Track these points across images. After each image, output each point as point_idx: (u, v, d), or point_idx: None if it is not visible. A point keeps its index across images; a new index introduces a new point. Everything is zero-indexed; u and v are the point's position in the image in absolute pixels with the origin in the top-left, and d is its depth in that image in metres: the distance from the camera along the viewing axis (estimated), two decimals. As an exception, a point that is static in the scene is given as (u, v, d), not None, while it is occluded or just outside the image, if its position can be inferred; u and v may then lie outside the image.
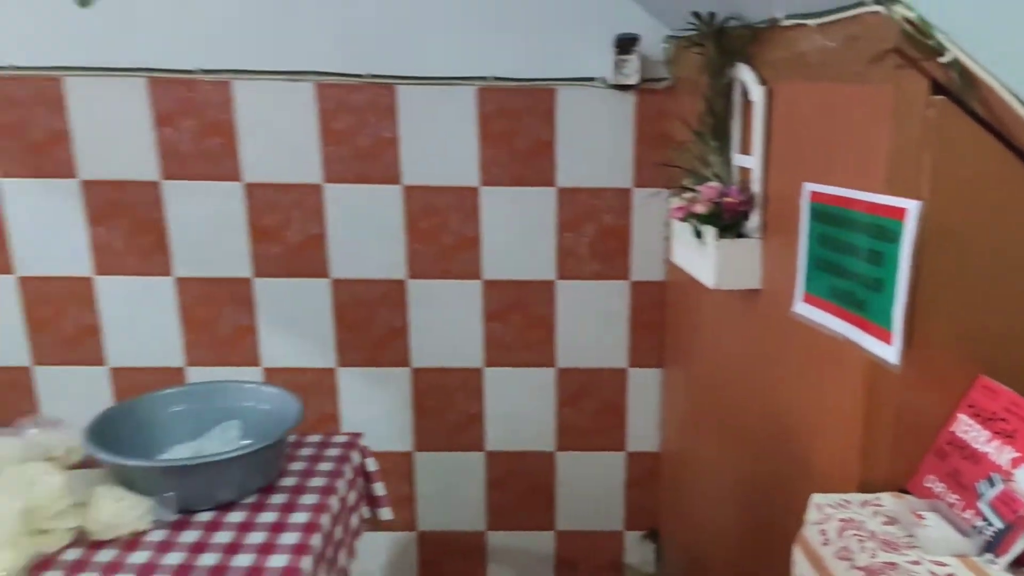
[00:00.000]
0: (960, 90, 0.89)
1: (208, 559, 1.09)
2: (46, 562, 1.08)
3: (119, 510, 1.12)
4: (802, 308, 1.20)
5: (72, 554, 1.10)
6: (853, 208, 1.05)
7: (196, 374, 2.15)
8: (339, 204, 2.03)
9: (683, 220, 1.48)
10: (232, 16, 1.89)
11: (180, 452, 1.33)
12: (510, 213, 2.04)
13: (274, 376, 2.13)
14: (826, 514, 1.01)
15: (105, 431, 1.22)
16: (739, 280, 1.40)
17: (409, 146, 2.00)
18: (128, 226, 2.03)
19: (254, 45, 1.92)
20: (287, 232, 2.05)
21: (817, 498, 1.04)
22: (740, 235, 1.40)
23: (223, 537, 1.14)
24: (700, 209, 1.41)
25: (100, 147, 1.97)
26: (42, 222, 2.01)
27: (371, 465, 1.45)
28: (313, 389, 2.15)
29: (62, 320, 2.09)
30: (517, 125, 1.97)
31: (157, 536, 1.14)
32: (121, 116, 1.95)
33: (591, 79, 1.94)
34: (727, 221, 1.39)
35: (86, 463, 1.28)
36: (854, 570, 0.91)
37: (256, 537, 1.14)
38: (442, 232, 2.06)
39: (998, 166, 0.94)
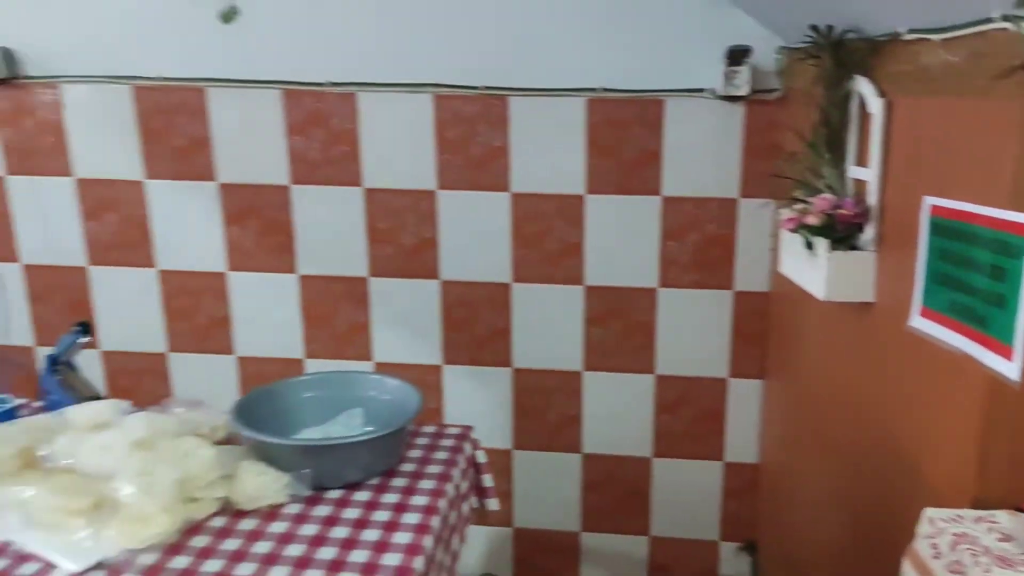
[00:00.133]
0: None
1: (339, 532, 1.19)
2: (196, 527, 1.20)
3: (261, 483, 1.24)
4: (919, 322, 1.20)
5: (219, 521, 1.22)
6: (976, 223, 1.05)
7: (313, 366, 2.29)
8: (450, 209, 2.13)
9: (794, 231, 1.49)
10: (359, 33, 2.02)
11: (309, 435, 1.44)
12: (614, 221, 2.08)
13: (384, 370, 2.25)
14: (939, 528, 1.01)
15: (248, 411, 1.35)
16: (851, 293, 1.40)
17: (519, 155, 2.08)
18: (259, 226, 2.19)
19: (378, 59, 2.04)
20: (401, 235, 2.17)
21: (930, 512, 1.04)
22: (853, 247, 1.40)
23: (351, 513, 1.24)
24: (812, 220, 1.42)
25: (237, 153, 2.14)
26: (183, 221, 2.20)
27: (481, 457, 1.53)
28: (419, 384, 2.21)
29: (196, 311, 2.28)
30: (624, 135, 2.02)
31: (293, 509, 1.25)
32: (257, 125, 2.11)
33: (700, 90, 1.96)
34: (840, 233, 1.40)
35: (228, 440, 1.40)
36: (968, 583, 0.91)
37: (381, 515, 1.24)
38: (547, 238, 2.13)
39: None
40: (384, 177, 2.13)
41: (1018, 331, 0.97)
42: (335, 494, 1.30)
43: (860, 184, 1.44)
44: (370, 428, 1.45)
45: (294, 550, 1.15)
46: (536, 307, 2.17)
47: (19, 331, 2.30)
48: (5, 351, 2.28)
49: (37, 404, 1.59)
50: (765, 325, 2.09)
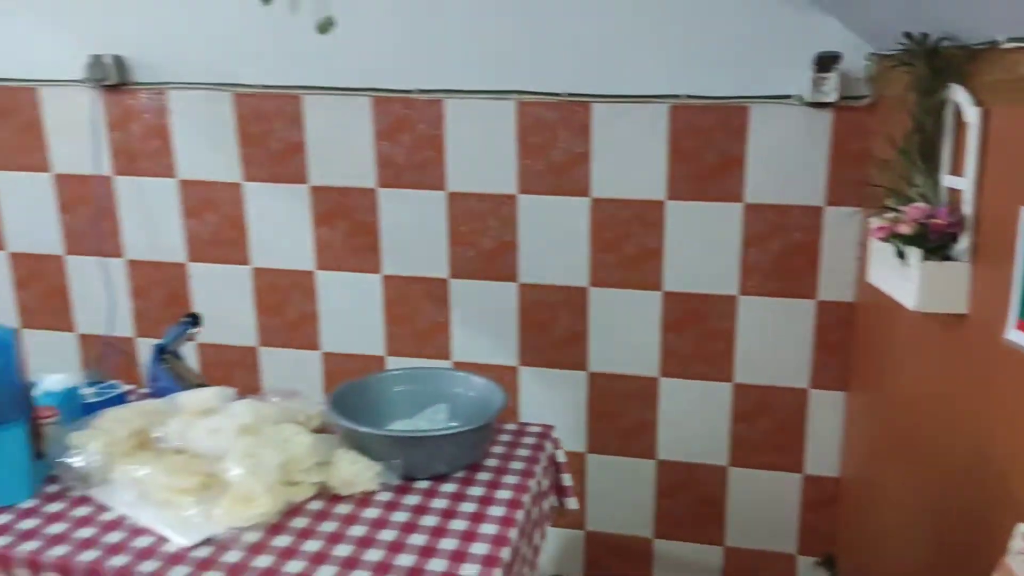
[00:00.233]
0: None
1: (428, 520, 1.24)
2: (296, 509, 1.27)
3: (356, 471, 1.30)
4: (1015, 335, 1.17)
5: (316, 505, 1.29)
6: (1083, 233, 1.02)
7: (393, 363, 2.36)
8: (530, 213, 2.18)
9: (885, 240, 1.47)
10: (447, 42, 2.09)
11: (397, 427, 1.50)
12: (694, 227, 2.09)
13: (461, 369, 2.30)
14: (1037, 543, 0.99)
15: (342, 402, 1.41)
16: (944, 303, 1.37)
17: (599, 160, 2.10)
18: (346, 227, 2.28)
19: (464, 67, 2.10)
20: (482, 238, 2.22)
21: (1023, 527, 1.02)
22: (947, 257, 1.38)
23: (439, 503, 1.29)
24: (904, 230, 1.40)
25: (328, 157, 2.23)
26: (276, 221, 2.31)
27: (560, 456, 1.56)
28: (497, 385, 2.30)
29: (286, 308, 2.38)
30: (708, 141, 2.02)
31: (384, 497, 1.31)
32: (347, 130, 2.20)
33: (787, 96, 1.95)
34: (933, 243, 1.37)
35: (322, 429, 1.47)
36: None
37: (467, 507, 1.28)
38: (625, 243, 2.15)
39: None
40: (467, 181, 2.19)
41: None
42: (423, 484, 1.35)
43: (954, 193, 1.42)
44: (454, 424, 1.50)
45: (387, 535, 1.20)
46: (613, 312, 2.19)
47: (121, 322, 2.44)
48: (109, 340, 2.43)
49: (144, 390, 1.70)
50: (849, 335, 2.05)
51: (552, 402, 2.28)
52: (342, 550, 1.17)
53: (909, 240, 1.39)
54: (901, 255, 1.42)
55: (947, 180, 1.45)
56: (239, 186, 2.29)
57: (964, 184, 1.37)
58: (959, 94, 1.39)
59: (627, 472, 2.29)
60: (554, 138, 2.11)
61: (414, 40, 2.10)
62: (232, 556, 1.15)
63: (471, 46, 2.08)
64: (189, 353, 2.32)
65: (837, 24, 1.87)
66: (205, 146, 2.27)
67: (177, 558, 1.14)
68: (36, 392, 1.42)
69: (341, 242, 2.29)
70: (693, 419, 2.21)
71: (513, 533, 1.22)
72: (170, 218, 2.34)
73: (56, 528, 1.21)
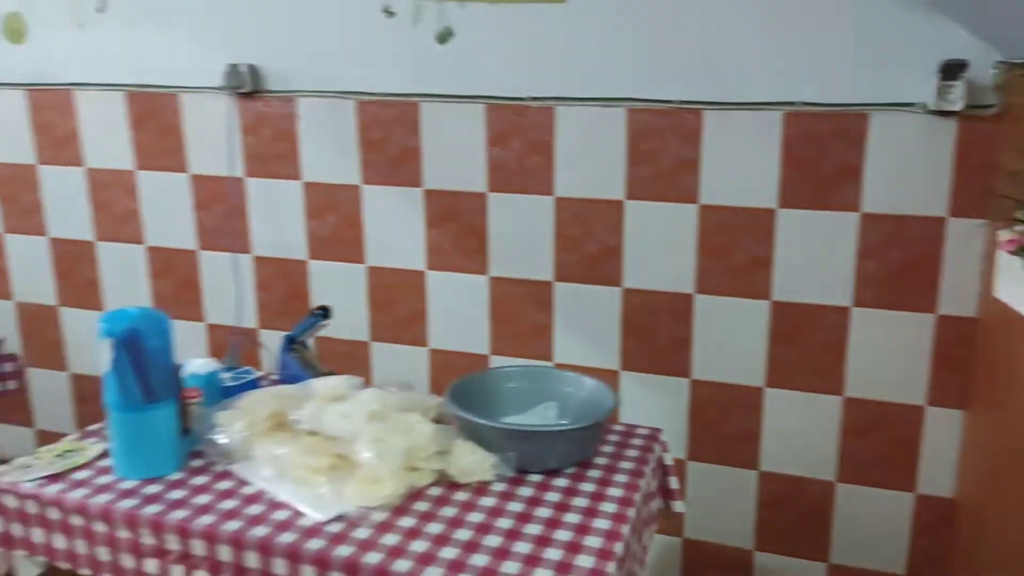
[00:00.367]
0: None
1: (542, 512, 1.29)
2: (417, 494, 1.34)
3: (473, 461, 1.36)
4: None
5: (435, 491, 1.36)
6: None
7: (497, 362, 2.43)
8: (637, 219, 2.20)
9: (1015, 254, 1.42)
10: (559, 50, 2.13)
11: (508, 422, 1.55)
12: (807, 236, 2.06)
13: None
14: None
15: (459, 395, 1.48)
16: (1082, 319, 1.32)
17: (709, 167, 2.10)
18: (457, 230, 2.36)
19: (576, 74, 2.14)
20: (588, 243, 2.25)
21: None
22: (1087, 272, 1.32)
23: (552, 497, 1.34)
24: (1040, 242, 1.35)
25: (442, 162, 2.32)
26: (390, 223, 2.41)
27: (668, 459, 1.58)
28: (599, 388, 2.32)
29: (397, 305, 2.49)
30: (824, 149, 1.99)
31: (499, 487, 1.36)
32: (461, 136, 2.28)
33: (909, 104, 1.90)
34: (1072, 256, 1.32)
35: (439, 419, 1.54)
36: None
37: (580, 502, 1.32)
38: (733, 250, 2.14)
39: None
40: (574, 186, 2.23)
41: None
42: (535, 478, 1.40)
43: (1097, 205, 1.36)
44: (563, 421, 1.54)
45: (503, 523, 1.26)
46: (719, 319, 2.18)
47: (246, 313, 2.61)
48: (239, 330, 2.60)
49: (273, 377, 1.82)
50: (970, 352, 1.98)
51: (653, 407, 2.29)
52: (462, 534, 1.23)
53: (1045, 253, 1.34)
54: (1035, 268, 1.37)
55: (1089, 191, 1.39)
56: (358, 188, 2.41)
57: (1108, 196, 1.31)
58: (1105, 102, 1.33)
59: (728, 481, 2.27)
60: (663, 145, 2.13)
61: (528, 49, 2.16)
62: (362, 533, 1.22)
63: (583, 55, 2.13)
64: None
65: (963, 31, 1.81)
66: (328, 150, 2.41)
67: (312, 531, 1.23)
68: (183, 374, 1.55)
69: (451, 244, 2.38)
70: (800, 431, 2.17)
71: (625, 529, 1.25)
72: (294, 218, 2.49)
73: (202, 499, 1.32)
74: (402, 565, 1.15)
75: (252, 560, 1.22)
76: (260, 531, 1.23)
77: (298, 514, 1.28)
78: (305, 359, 1.72)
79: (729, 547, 2.31)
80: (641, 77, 2.10)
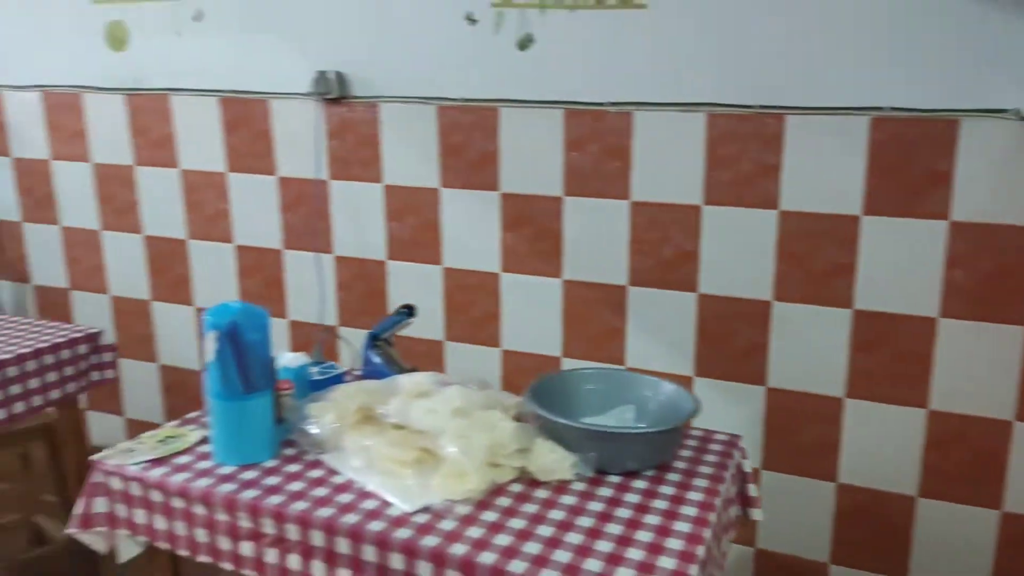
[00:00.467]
0: None
1: (622, 513, 1.30)
2: (499, 490, 1.37)
3: (554, 459, 1.38)
4: None
5: (516, 487, 1.38)
6: None
7: (568, 364, 2.45)
8: (714, 224, 2.19)
9: (1122, 264, 1.37)
10: (638, 56, 2.15)
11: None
12: (892, 244, 2.01)
13: (637, 376, 2.35)
14: None
15: (538, 395, 1.51)
16: None
17: (791, 173, 2.08)
18: (531, 233, 2.39)
19: (655, 80, 2.15)
20: (663, 247, 2.26)
21: None
22: None
23: (632, 498, 1.35)
24: None
25: (519, 167, 2.36)
26: (467, 225, 2.46)
27: (747, 466, 1.57)
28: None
29: (471, 306, 2.53)
30: (911, 156, 1.95)
31: (579, 486, 1.38)
32: (539, 141, 2.31)
33: (1001, 111, 1.85)
34: None
35: (518, 418, 1.57)
36: None
37: (660, 504, 1.33)
38: (814, 257, 2.10)
39: None
40: (651, 191, 2.24)
41: None
42: (614, 479, 1.41)
43: None
44: (641, 424, 1.55)
45: (584, 521, 1.28)
46: (797, 327, 2.15)
47: (327, 311, 2.70)
48: (325, 327, 2.68)
49: (356, 372, 1.88)
50: (1066, 367, 1.90)
51: (727, 414, 2.27)
52: (544, 531, 1.25)
53: None
54: None
55: None
56: (437, 192, 2.47)
57: None
58: None
59: (804, 492, 2.23)
60: (743, 150, 2.12)
61: (607, 54, 2.18)
62: (447, 524, 1.26)
63: (662, 59, 2.13)
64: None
65: (1068, 32, 1.75)
66: (409, 155, 2.47)
67: (400, 521, 1.27)
68: (276, 367, 1.62)
69: (525, 247, 2.41)
70: (880, 443, 2.12)
71: (707, 533, 1.25)
72: (375, 219, 2.56)
73: (295, 486, 1.39)
74: (487, 558, 1.18)
75: (343, 546, 1.27)
76: (351, 519, 1.28)
77: (385, 504, 1.32)
78: (388, 356, 1.78)
79: (804, 559, 2.27)
80: (722, 81, 2.09)
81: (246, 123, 2.65)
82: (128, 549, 1.51)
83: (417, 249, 2.54)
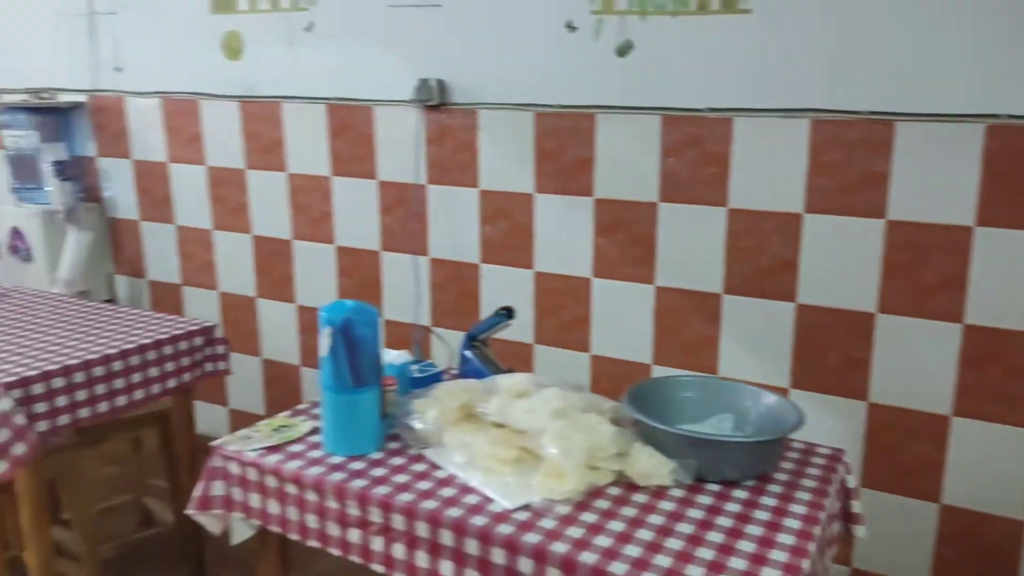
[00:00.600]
0: None
1: (723, 522, 1.30)
2: (597, 492, 1.39)
3: (652, 464, 1.39)
4: None
5: (614, 491, 1.40)
6: None
7: (658, 372, 2.44)
8: (816, 233, 2.14)
9: None
10: (738, 60, 2.13)
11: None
12: (1008, 256, 1.93)
13: (730, 386, 2.32)
14: None
15: (635, 400, 1.51)
16: None
17: (900, 182, 2.02)
18: (625, 239, 2.40)
19: (758, 84, 2.12)
20: (761, 255, 2.22)
21: None
22: None
23: (732, 507, 1.34)
24: None
25: (614, 172, 2.37)
26: (559, 230, 2.49)
27: (851, 482, 1.54)
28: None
29: (561, 310, 2.56)
30: (1032, 165, 1.86)
31: (677, 493, 1.38)
32: (635, 147, 2.32)
33: None
34: None
35: (614, 422, 1.58)
36: None
37: (762, 515, 1.32)
38: (923, 269, 2.03)
39: None
40: (750, 198, 2.21)
41: None
42: (713, 487, 1.40)
43: None
44: (739, 434, 1.54)
45: (684, 528, 1.28)
46: (902, 341, 2.08)
47: (421, 311, 2.78)
48: (423, 327, 2.76)
49: (453, 372, 1.93)
50: None
51: (825, 429, 2.21)
52: (644, 534, 1.26)
53: None
54: None
55: None
56: (531, 197, 2.51)
57: None
58: None
59: (905, 512, 2.15)
60: (849, 157, 2.07)
61: (708, 60, 2.17)
62: (547, 523, 1.29)
63: (766, 64, 2.11)
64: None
65: None
66: (505, 160, 2.52)
67: (502, 517, 1.31)
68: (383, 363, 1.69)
69: (618, 252, 2.42)
70: (990, 465, 2.03)
71: (812, 546, 1.24)
72: (469, 223, 2.62)
73: (400, 478, 1.44)
74: (588, 557, 1.20)
75: (447, 538, 1.31)
76: (454, 512, 1.32)
77: (487, 500, 1.36)
78: (485, 356, 1.82)
79: (903, 581, 2.19)
80: (828, 87, 2.05)
81: (350, 129, 2.76)
82: (241, 531, 1.60)
83: (509, 253, 2.58)
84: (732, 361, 2.32)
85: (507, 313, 1.80)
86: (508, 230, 2.57)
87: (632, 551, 1.22)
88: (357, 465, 1.49)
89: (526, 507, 1.33)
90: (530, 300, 2.59)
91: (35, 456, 1.83)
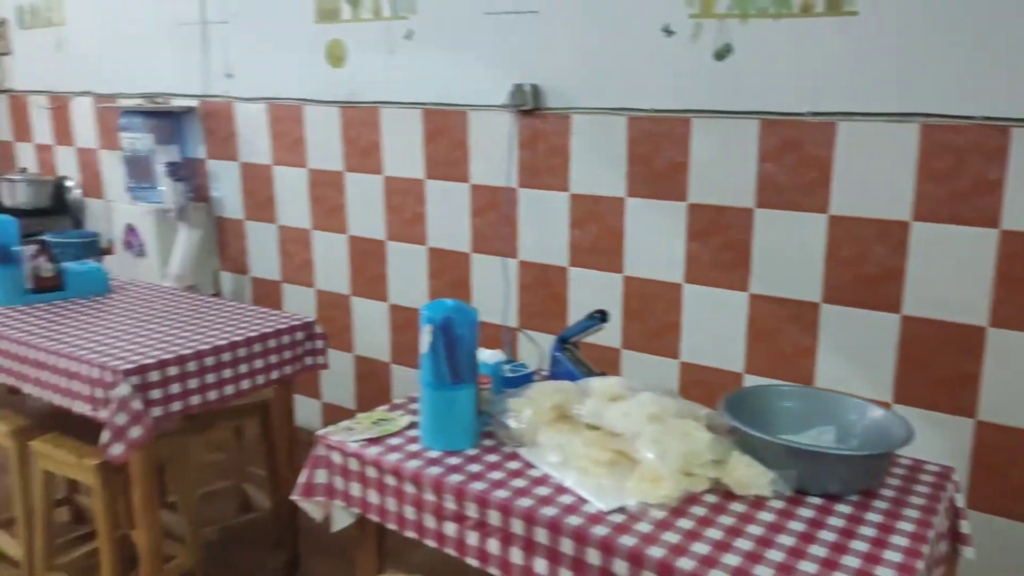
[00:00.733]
0: None
1: (826, 536, 1.26)
2: (693, 499, 1.38)
3: (752, 474, 1.37)
4: None
5: (710, 498, 1.38)
6: None
7: (750, 381, 2.39)
8: (924, 242, 2.06)
9: None
10: (845, 62, 2.07)
11: (782, 441, 1.53)
12: None
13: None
14: None
15: (733, 407, 1.49)
16: None
17: (1016, 190, 1.92)
18: (718, 244, 2.36)
19: (863, 88, 2.06)
20: (864, 264, 2.15)
21: None
22: None
23: (836, 521, 1.30)
24: None
25: (709, 177, 2.34)
26: (650, 235, 2.48)
27: (959, 501, 1.47)
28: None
29: (650, 315, 2.54)
30: None
31: (777, 504, 1.36)
32: (731, 152, 2.28)
33: None
34: None
35: (710, 429, 1.56)
36: None
37: (867, 531, 1.28)
38: (1040, 282, 1.93)
39: None
40: (852, 205, 2.14)
41: None
42: (815, 500, 1.37)
43: None
44: (841, 446, 1.49)
45: (785, 540, 1.25)
46: (1017, 357, 1.98)
47: (509, 313, 2.81)
48: (514, 329, 2.80)
49: (544, 373, 1.95)
50: None
51: (930, 446, 2.11)
52: (742, 544, 1.24)
53: None
54: None
55: None
56: (622, 201, 2.50)
57: None
58: None
59: (1014, 537, 2.04)
60: (961, 163, 1.98)
61: (810, 63, 2.12)
62: (643, 527, 1.29)
63: (872, 67, 2.04)
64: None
65: None
66: (597, 164, 2.53)
67: (596, 518, 1.31)
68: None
69: (711, 258, 2.38)
70: (1114, 492, 1.90)
71: (920, 564, 1.19)
72: (559, 227, 2.64)
73: (496, 475, 1.47)
74: (686, 564, 1.19)
75: (542, 536, 1.32)
76: (549, 511, 1.34)
77: (581, 500, 1.37)
78: (576, 358, 1.83)
79: (1009, 611, 2.07)
80: (939, 91, 1.97)
81: (445, 133, 2.82)
82: (341, 519, 1.66)
83: (598, 256, 2.58)
84: (830, 372, 2.26)
85: (601, 316, 1.80)
86: (598, 234, 2.57)
87: (731, 560, 1.20)
88: (453, 460, 1.52)
89: (621, 509, 1.34)
90: (618, 304, 2.59)
91: (149, 440, 1.94)
